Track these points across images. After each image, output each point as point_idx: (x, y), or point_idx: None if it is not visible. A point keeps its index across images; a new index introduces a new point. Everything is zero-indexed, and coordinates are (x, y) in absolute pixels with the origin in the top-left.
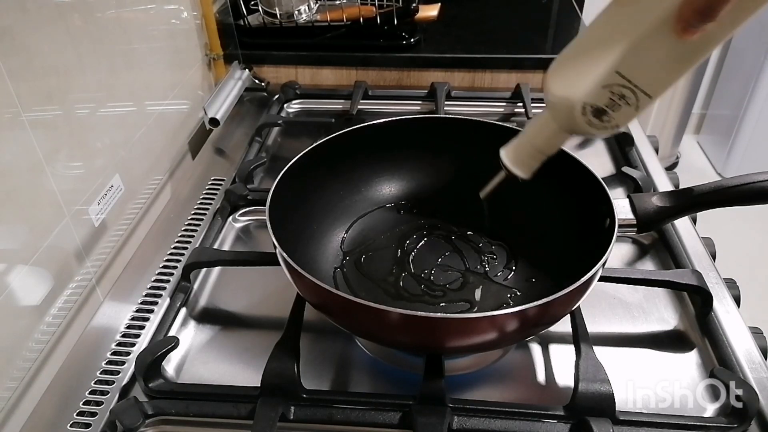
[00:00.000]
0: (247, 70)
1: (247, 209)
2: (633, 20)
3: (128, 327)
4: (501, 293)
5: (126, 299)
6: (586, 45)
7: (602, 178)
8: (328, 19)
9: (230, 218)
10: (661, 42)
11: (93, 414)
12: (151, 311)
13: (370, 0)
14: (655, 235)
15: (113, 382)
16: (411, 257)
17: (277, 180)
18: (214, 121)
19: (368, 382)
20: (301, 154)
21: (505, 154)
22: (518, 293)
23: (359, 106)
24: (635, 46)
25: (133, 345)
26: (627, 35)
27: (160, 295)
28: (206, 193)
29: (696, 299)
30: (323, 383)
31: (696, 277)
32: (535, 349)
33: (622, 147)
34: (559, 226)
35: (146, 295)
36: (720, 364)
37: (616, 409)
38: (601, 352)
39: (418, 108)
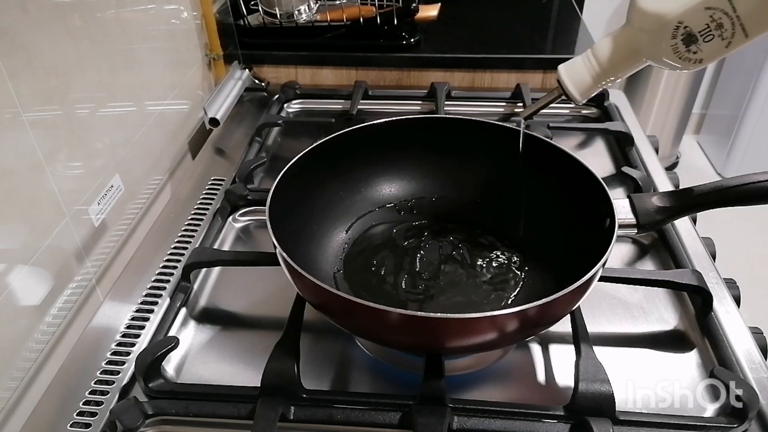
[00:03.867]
0: (247, 70)
1: (247, 209)
2: None
3: (128, 327)
4: (501, 293)
5: (126, 299)
6: None
7: (602, 178)
8: (328, 19)
9: (230, 218)
10: None
11: (93, 414)
12: (151, 311)
13: (370, 0)
14: (655, 235)
15: (113, 382)
16: (411, 257)
17: (277, 180)
18: (214, 121)
19: (368, 382)
20: (301, 154)
21: (565, 72)
22: (518, 293)
23: (359, 106)
24: None
25: (133, 345)
26: None
27: (160, 295)
28: (206, 193)
29: (696, 299)
30: (323, 383)
31: (696, 277)
32: (535, 349)
33: (622, 147)
34: (559, 226)
35: (146, 295)
36: (720, 364)
37: (616, 409)
38: (601, 352)
39: (418, 108)
